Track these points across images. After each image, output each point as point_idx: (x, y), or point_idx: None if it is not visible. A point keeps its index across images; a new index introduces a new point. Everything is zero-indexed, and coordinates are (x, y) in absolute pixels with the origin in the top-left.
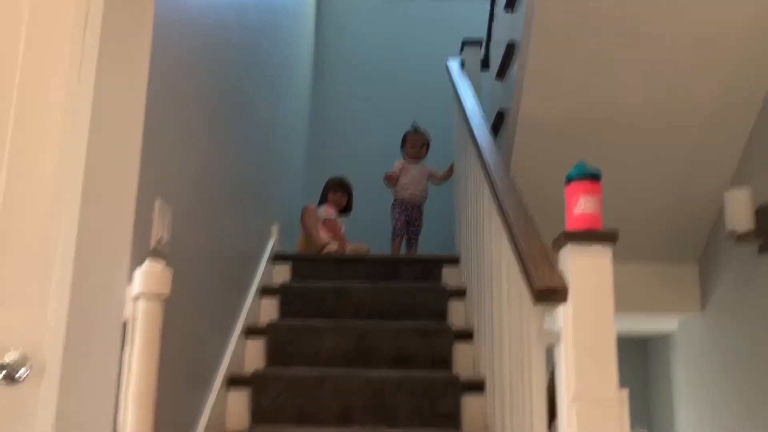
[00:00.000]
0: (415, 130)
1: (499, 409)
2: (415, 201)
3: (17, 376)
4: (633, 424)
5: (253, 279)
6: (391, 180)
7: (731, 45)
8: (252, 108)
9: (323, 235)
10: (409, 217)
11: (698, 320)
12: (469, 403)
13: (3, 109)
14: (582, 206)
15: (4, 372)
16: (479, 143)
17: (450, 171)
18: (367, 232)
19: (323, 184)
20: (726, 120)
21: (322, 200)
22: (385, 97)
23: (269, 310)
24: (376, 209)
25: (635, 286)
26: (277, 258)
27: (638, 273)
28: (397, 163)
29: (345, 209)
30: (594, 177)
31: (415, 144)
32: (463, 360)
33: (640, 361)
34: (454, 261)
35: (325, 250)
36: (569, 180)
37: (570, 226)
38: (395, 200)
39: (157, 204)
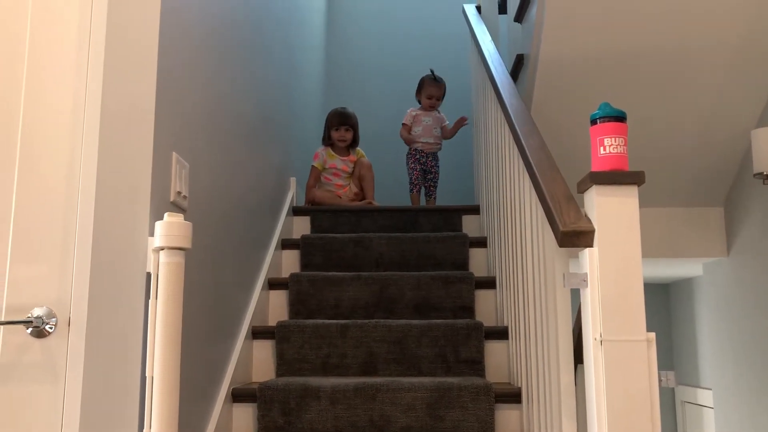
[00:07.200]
0: (434, 79)
1: (523, 355)
2: (429, 150)
3: (45, 330)
4: (658, 368)
5: (274, 232)
6: (405, 132)
7: None
8: (267, 61)
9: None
10: (424, 166)
11: (723, 264)
12: (493, 350)
13: (15, 67)
14: (607, 147)
15: (32, 327)
16: (499, 87)
17: (456, 128)
18: (385, 185)
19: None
20: (752, 59)
21: (326, 137)
22: (400, 47)
23: (290, 263)
24: (393, 162)
25: (659, 231)
26: (296, 211)
27: (662, 217)
28: (410, 112)
29: (351, 144)
30: (619, 117)
31: (432, 95)
32: (486, 308)
33: (662, 306)
34: (474, 210)
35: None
36: (594, 121)
37: (596, 167)
38: (409, 151)
39: (174, 158)
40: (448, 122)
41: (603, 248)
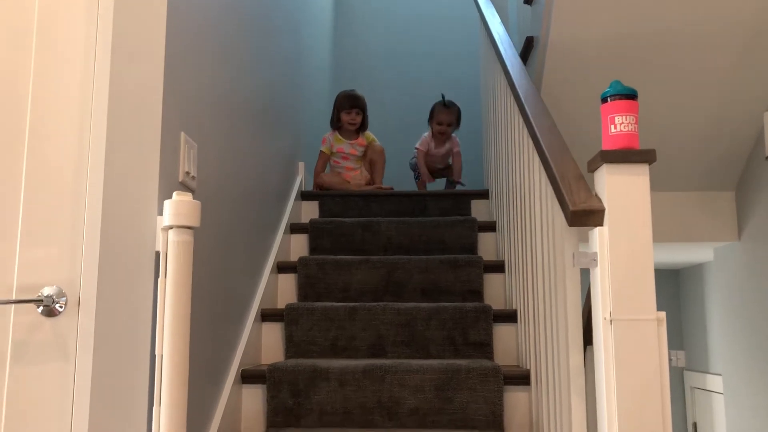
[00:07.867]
0: (445, 105)
1: (532, 337)
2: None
3: (55, 309)
4: (668, 348)
5: (282, 216)
6: (421, 158)
7: None
8: (275, 45)
9: (336, 177)
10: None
11: (734, 249)
12: (502, 333)
13: (23, 46)
14: (618, 125)
15: (42, 306)
16: (509, 69)
17: (458, 167)
18: (393, 171)
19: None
20: (766, 41)
21: (334, 120)
22: (409, 30)
23: (299, 247)
24: (400, 147)
25: (670, 216)
26: (304, 195)
27: (672, 202)
28: (423, 140)
29: (360, 127)
30: (630, 95)
31: (442, 122)
32: (495, 291)
33: (672, 292)
34: (483, 195)
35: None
36: (604, 99)
37: (606, 145)
38: (415, 162)
39: (183, 138)
40: (459, 148)
41: (613, 227)
